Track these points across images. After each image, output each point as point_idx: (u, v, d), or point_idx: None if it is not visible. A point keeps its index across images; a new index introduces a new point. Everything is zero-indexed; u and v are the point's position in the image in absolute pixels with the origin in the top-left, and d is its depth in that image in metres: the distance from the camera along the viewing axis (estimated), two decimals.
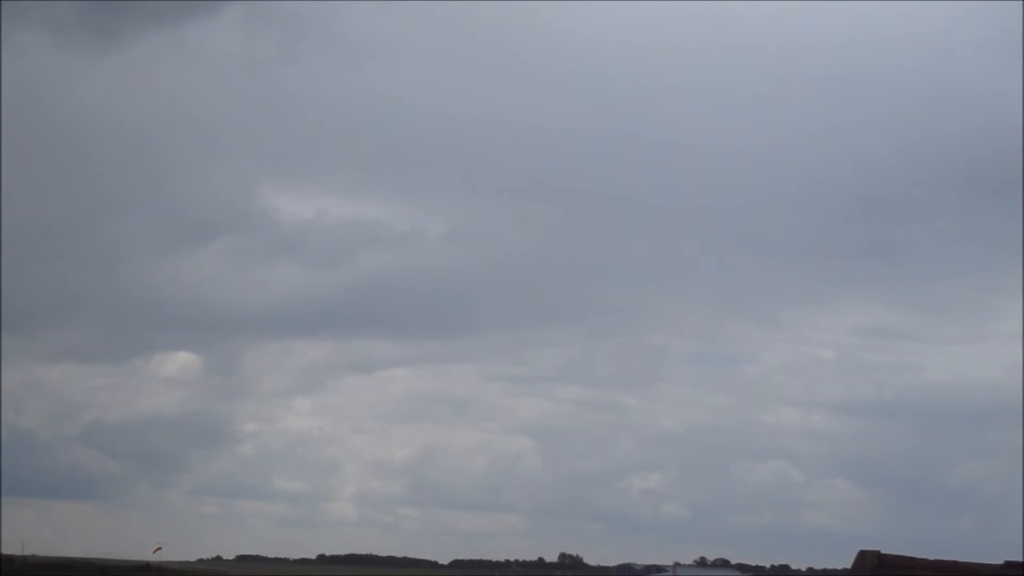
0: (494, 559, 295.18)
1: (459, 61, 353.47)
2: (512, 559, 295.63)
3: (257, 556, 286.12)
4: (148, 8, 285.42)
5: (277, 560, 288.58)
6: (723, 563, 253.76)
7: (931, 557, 34.04)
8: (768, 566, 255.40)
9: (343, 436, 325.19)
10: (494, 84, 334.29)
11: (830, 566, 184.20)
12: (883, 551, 33.62)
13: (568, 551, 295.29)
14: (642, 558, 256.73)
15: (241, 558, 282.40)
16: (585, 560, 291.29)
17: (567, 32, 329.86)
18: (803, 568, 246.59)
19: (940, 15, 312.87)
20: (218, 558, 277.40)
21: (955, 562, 33.86)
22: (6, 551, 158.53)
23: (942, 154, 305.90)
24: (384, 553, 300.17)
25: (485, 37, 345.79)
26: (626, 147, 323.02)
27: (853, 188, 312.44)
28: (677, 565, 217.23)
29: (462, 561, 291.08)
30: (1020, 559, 33.88)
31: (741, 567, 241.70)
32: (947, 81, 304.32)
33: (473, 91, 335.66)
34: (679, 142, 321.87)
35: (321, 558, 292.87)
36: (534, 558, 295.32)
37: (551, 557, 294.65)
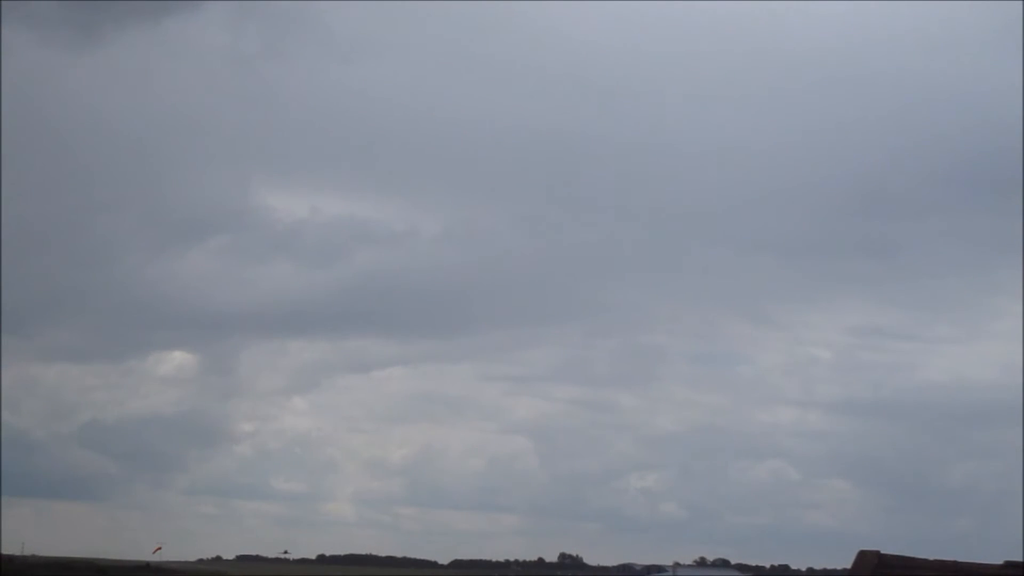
0: (494, 559, 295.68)
1: (454, 59, 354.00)
2: (512, 559, 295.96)
3: (257, 556, 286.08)
4: (129, 5, 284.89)
5: (277, 560, 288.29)
6: (723, 563, 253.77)
7: (931, 557, 34.05)
8: (768, 566, 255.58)
9: (340, 436, 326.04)
10: (489, 82, 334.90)
11: (830, 566, 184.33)
12: (883, 551, 33.61)
13: (567, 551, 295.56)
14: (641, 558, 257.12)
15: (241, 558, 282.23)
16: (585, 560, 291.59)
17: (563, 31, 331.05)
18: (803, 568, 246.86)
19: (939, 14, 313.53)
20: (218, 558, 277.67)
21: (955, 562, 33.87)
22: (6, 551, 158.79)
23: (940, 153, 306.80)
24: (383, 553, 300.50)
25: (480, 35, 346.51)
26: (622, 146, 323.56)
27: (850, 187, 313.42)
28: (677, 565, 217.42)
29: (462, 561, 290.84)
30: (1020, 559, 33.88)
31: (741, 567, 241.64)
32: (947, 81, 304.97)
33: (468, 89, 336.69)
34: (676, 141, 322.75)
35: (321, 558, 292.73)
36: (534, 558, 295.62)
37: (551, 557, 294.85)
